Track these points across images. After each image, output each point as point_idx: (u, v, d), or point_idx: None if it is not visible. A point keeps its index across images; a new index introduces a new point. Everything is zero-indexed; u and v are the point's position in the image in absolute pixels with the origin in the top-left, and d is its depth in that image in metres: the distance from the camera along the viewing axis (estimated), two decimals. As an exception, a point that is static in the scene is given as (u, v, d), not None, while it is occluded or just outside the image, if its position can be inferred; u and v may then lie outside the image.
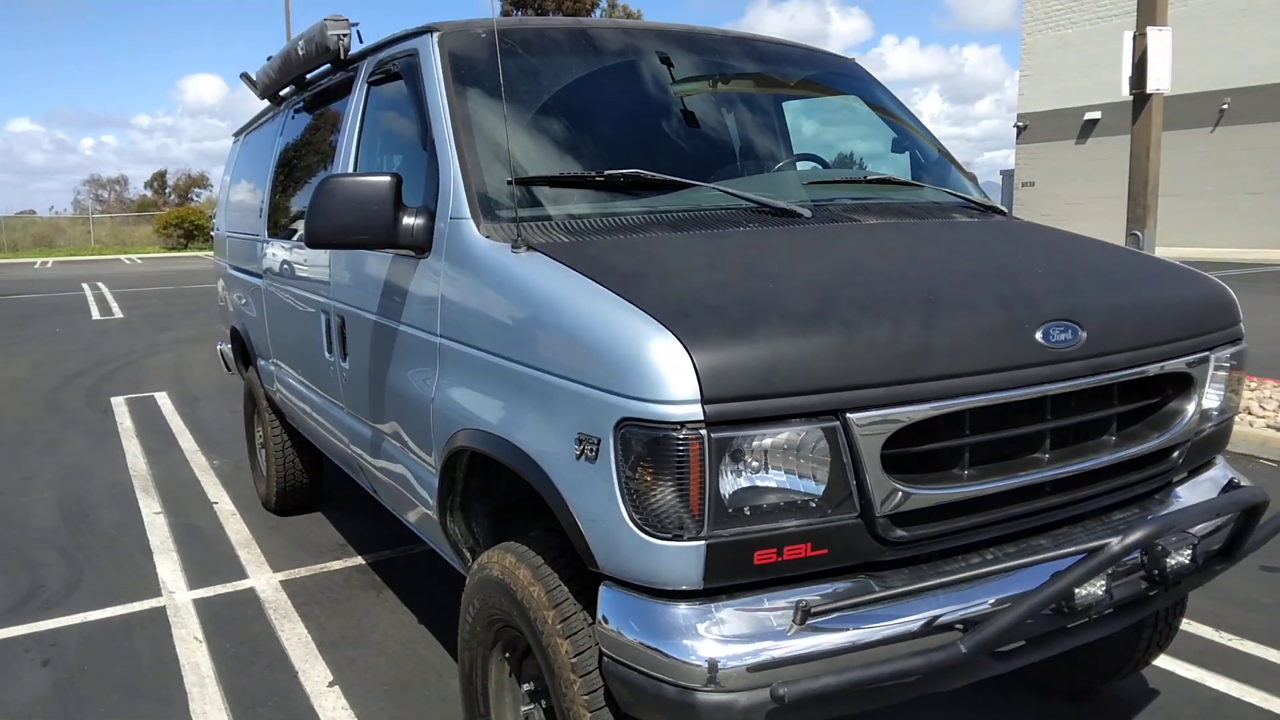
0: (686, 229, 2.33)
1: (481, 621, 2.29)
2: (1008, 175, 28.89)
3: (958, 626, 1.80)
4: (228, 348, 6.12)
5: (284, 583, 4.19)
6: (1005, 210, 3.01)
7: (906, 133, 3.33)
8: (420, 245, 2.47)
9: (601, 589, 1.85)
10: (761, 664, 1.69)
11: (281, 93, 4.45)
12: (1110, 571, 1.87)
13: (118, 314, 15.54)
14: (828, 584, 1.81)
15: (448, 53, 2.67)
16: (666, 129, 2.86)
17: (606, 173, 2.42)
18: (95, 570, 4.39)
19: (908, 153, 3.30)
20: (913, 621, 1.79)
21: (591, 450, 1.79)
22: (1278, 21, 20.72)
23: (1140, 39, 6.47)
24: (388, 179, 2.42)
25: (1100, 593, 1.87)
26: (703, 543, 1.70)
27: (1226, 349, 2.36)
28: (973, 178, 3.28)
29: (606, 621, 1.82)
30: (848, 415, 1.74)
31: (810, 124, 3.52)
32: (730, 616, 1.74)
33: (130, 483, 5.80)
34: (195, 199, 62.30)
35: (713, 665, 1.68)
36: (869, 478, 1.77)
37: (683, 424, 1.66)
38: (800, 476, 1.75)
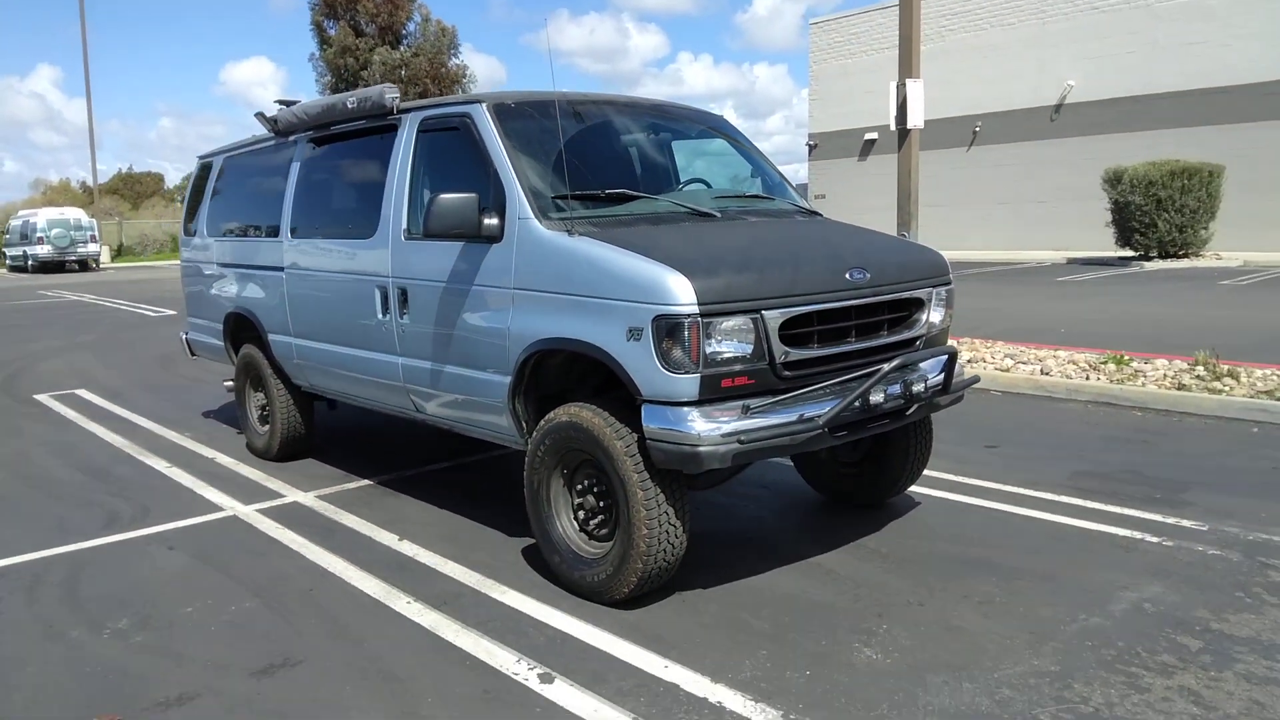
0: (658, 223, 4.13)
1: (551, 451, 3.96)
2: (801, 188, 32.45)
3: (817, 417, 3.67)
4: (197, 335, 7.29)
5: (319, 497, 5.58)
6: (820, 213, 5.01)
7: (758, 162, 5.28)
8: (495, 236, 4.11)
9: (644, 406, 3.59)
10: (727, 432, 3.49)
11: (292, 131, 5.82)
12: (885, 388, 3.80)
13: (-40, 328, 15.36)
14: (756, 398, 3.63)
15: (495, 115, 4.32)
16: (623, 162, 4.68)
17: (606, 191, 4.19)
18: (155, 500, 5.59)
19: (758, 177, 5.24)
20: (796, 413, 3.65)
21: (637, 334, 3.53)
22: (1017, 57, 24.90)
23: (901, 87, 8.83)
24: (474, 196, 4.06)
25: (882, 399, 3.81)
26: (698, 375, 3.48)
27: (943, 288, 4.39)
28: (800, 190, 5.27)
29: (647, 421, 3.56)
30: (763, 312, 3.58)
31: (698, 157, 5.39)
32: (712, 412, 3.53)
33: (124, 451, 6.85)
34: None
35: (704, 434, 3.46)
36: (773, 344, 3.61)
37: (688, 315, 3.44)
38: (740, 343, 3.56)
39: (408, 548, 4.66)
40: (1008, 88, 24.94)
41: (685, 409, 3.52)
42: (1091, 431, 6.59)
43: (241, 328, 6.56)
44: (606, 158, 4.67)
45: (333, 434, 6.97)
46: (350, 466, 6.23)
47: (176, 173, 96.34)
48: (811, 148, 31.03)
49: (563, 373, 4.25)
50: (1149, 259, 19.92)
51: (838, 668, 3.31)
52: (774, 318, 3.61)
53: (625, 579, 3.73)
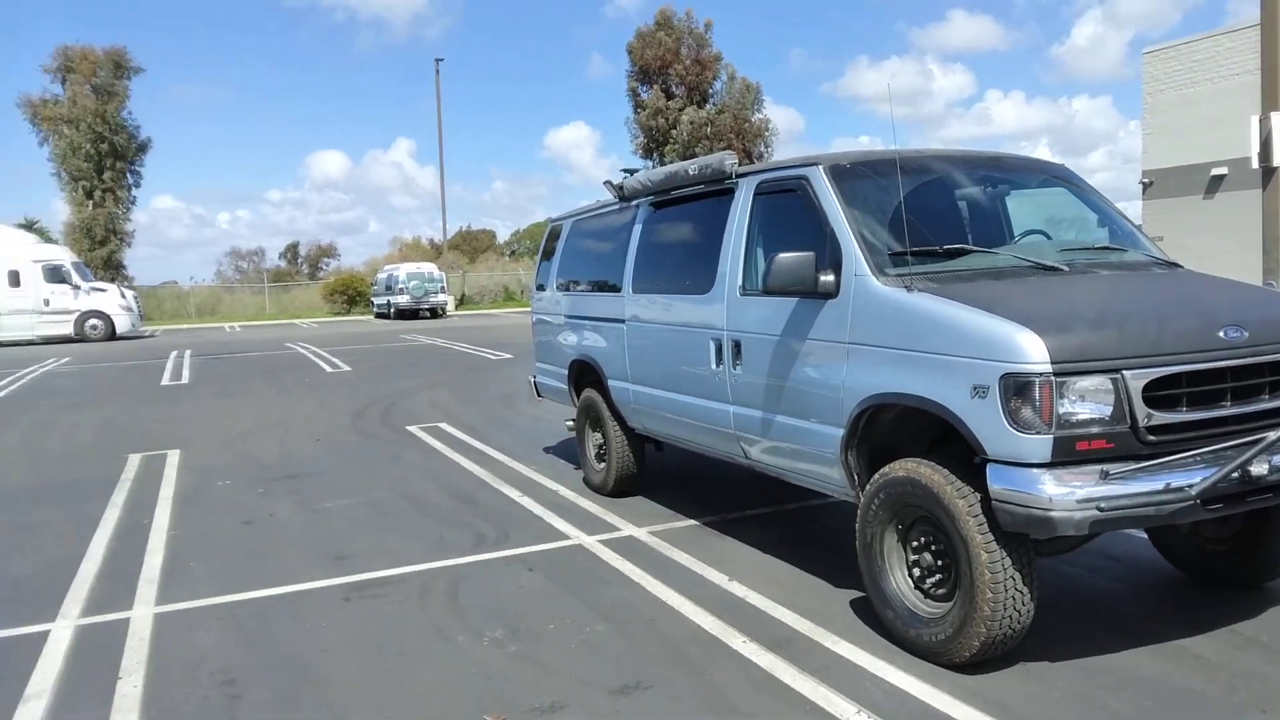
0: (1000, 278, 4.08)
1: (886, 506, 4.01)
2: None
3: (1188, 487, 3.41)
4: (544, 379, 8.11)
5: (651, 533, 6.00)
6: (1181, 264, 4.64)
7: (1105, 211, 5.01)
8: (830, 292, 4.27)
9: (989, 466, 3.54)
10: (1084, 498, 3.35)
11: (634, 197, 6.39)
12: (1270, 458, 3.45)
13: (345, 367, 18.12)
14: (1115, 463, 3.45)
15: (831, 176, 4.50)
16: (959, 216, 4.66)
17: (945, 246, 4.21)
18: (512, 525, 6.30)
19: (1106, 227, 4.97)
20: (1162, 482, 3.42)
21: (982, 392, 3.51)
22: None
23: (1264, 122, 7.91)
24: (811, 254, 4.25)
25: (1265, 470, 3.46)
26: (1050, 436, 3.38)
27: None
28: (1156, 241, 4.92)
29: (993, 481, 3.50)
30: (1123, 372, 3.42)
31: (1038, 208, 5.22)
32: (1065, 475, 3.40)
33: (482, 479, 7.78)
34: (324, 268, 67.82)
35: (1057, 498, 3.35)
36: (1136, 406, 3.42)
37: (1039, 374, 3.37)
38: (1098, 404, 3.42)
39: (737, 588, 4.88)
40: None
41: (1035, 470, 3.43)
42: None
43: (584, 374, 7.24)
44: (942, 213, 4.68)
45: (658, 474, 7.43)
46: (676, 506, 6.62)
47: (506, 230, 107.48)
48: (1146, 185, 28.19)
49: (895, 427, 4.29)
50: None
51: (1216, 763, 3.03)
52: (1136, 378, 3.43)
53: (967, 643, 3.67)
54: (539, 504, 6.85)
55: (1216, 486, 3.39)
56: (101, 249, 45.31)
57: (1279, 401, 3.73)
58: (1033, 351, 3.39)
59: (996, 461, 3.53)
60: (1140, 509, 3.36)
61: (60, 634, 4.59)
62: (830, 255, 4.33)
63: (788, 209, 4.81)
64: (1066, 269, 4.24)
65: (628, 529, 6.10)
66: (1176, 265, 4.63)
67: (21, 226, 37.49)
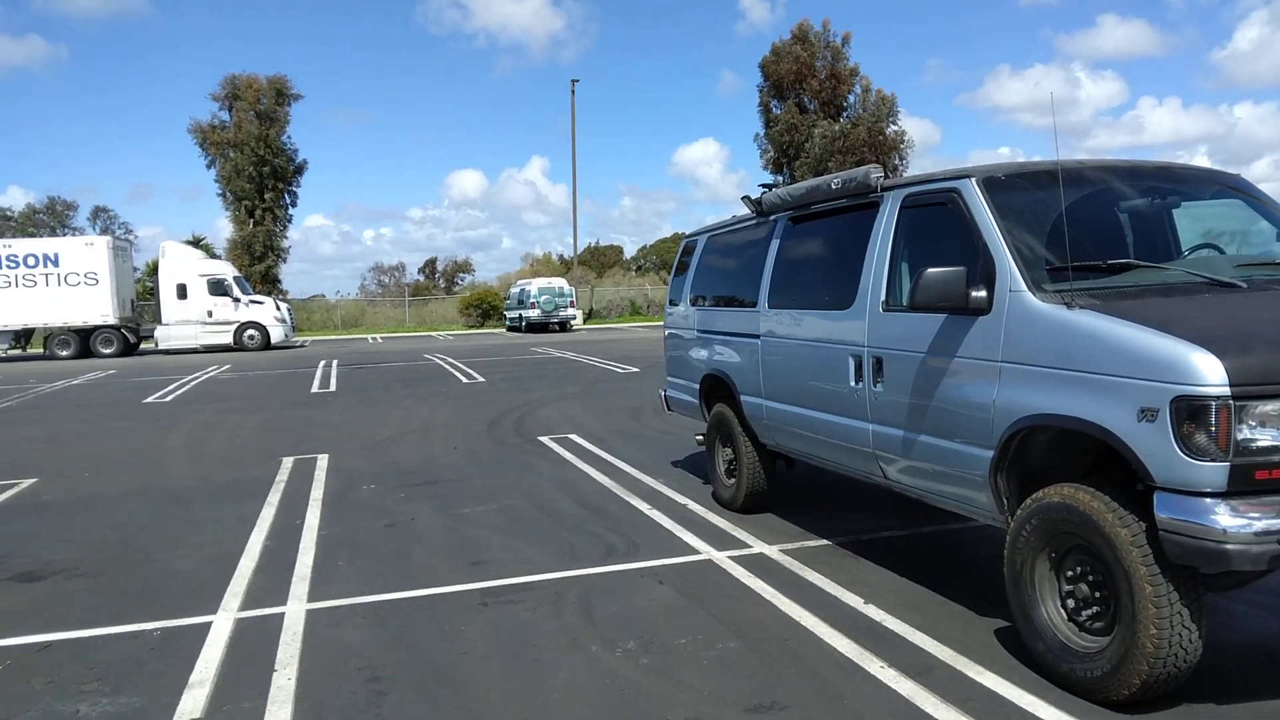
0: (1170, 294, 3.83)
1: (1038, 533, 3.80)
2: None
3: (1380, 523, 3.10)
4: (675, 394, 8.12)
5: (782, 551, 5.90)
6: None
7: (1281, 222, 4.63)
8: (982, 309, 4.10)
9: (1157, 494, 3.31)
10: (1263, 530, 3.09)
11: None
12: None
13: (479, 378, 18.69)
14: (1300, 494, 3.18)
15: (985, 188, 4.33)
16: (1123, 230, 4.39)
17: (1109, 261, 3.98)
18: (642, 537, 6.32)
19: (1283, 240, 4.59)
20: (1353, 518, 3.12)
21: (1151, 415, 3.29)
22: None
23: None
24: (962, 269, 4.09)
25: None
26: (1227, 464, 3.14)
27: None
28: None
29: (1160, 510, 3.28)
30: (1311, 396, 3.14)
31: (1211, 221, 4.87)
32: (1242, 506, 3.15)
33: (611, 490, 7.84)
34: (460, 283, 70.21)
35: (1232, 530, 3.10)
36: (1326, 433, 3.14)
37: (1216, 397, 3.13)
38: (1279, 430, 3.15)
39: (874, 612, 4.73)
40: None
41: (1209, 500, 3.19)
42: None
43: (715, 388, 7.21)
44: (1104, 226, 4.42)
45: (787, 491, 7.31)
46: (806, 524, 6.49)
47: (633, 245, 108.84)
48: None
49: (1048, 451, 4.08)
50: None
51: None
52: (1326, 402, 3.15)
53: (1126, 680, 3.44)
54: (667, 517, 6.85)
55: None
56: (260, 264, 48.41)
57: None
58: (1208, 373, 3.16)
59: (1165, 489, 3.30)
60: (1327, 546, 3.08)
61: (221, 626, 4.88)
62: (983, 270, 4.16)
63: (936, 222, 4.66)
64: (1245, 285, 3.93)
65: (758, 546, 6.03)
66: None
67: (189, 243, 40.51)
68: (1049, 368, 3.77)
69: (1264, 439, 3.15)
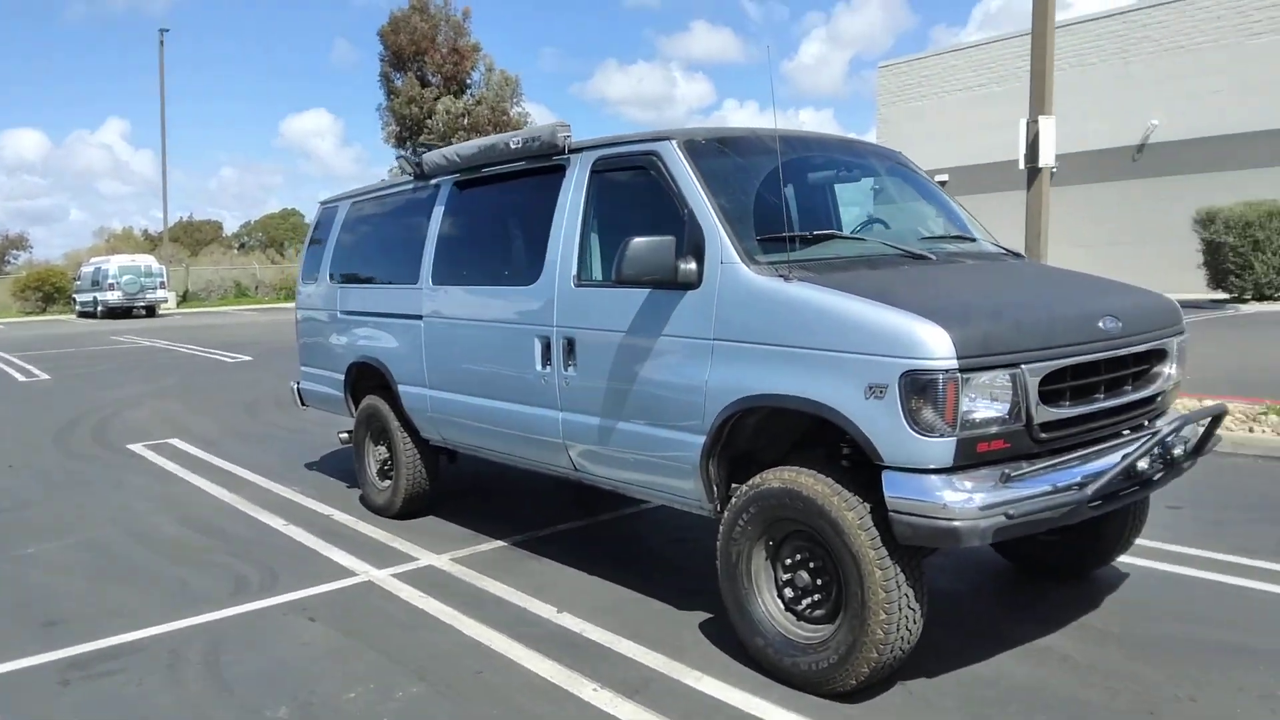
0: (876, 267, 3.71)
1: (755, 521, 3.51)
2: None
3: (1081, 486, 3.18)
4: (311, 385, 6.99)
5: (454, 560, 5.17)
6: (1023, 255, 4.55)
7: (943, 199, 4.84)
8: (691, 282, 3.71)
9: (885, 474, 3.13)
10: (988, 504, 3.02)
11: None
12: (1151, 451, 3.31)
13: (42, 375, 15.40)
14: (1013, 464, 3.16)
15: (687, 152, 3.94)
16: (818, 201, 4.28)
17: (815, 232, 3.79)
18: (280, 562, 5.22)
19: (943, 216, 4.79)
20: (1052, 482, 3.17)
21: (879, 391, 3.09)
22: (1097, 97, 24.21)
23: (1033, 124, 8.39)
24: (670, 239, 3.68)
25: (1146, 465, 3.31)
26: (954, 439, 3.03)
27: (1181, 338, 3.90)
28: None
29: (890, 490, 3.10)
30: (1022, 366, 3.13)
31: (879, 195, 4.96)
32: (967, 479, 3.06)
33: (233, 506, 6.53)
34: (12, 261, 59.24)
35: (960, 506, 3.00)
36: (1031, 403, 3.15)
37: (945, 371, 3.00)
38: (996, 401, 3.11)
39: (570, 621, 4.22)
40: (1086, 127, 24.30)
41: (936, 477, 3.06)
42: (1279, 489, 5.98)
43: (365, 378, 6.25)
44: (800, 197, 4.27)
45: (447, 489, 6.57)
46: (476, 525, 5.83)
47: (235, 220, 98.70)
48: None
49: (755, 434, 3.82)
50: (1244, 301, 19.05)
51: (1143, 789, 2.79)
52: (1034, 372, 3.16)
53: (854, 669, 3.25)
54: (310, 533, 5.80)
55: (1110, 483, 3.19)
56: None
57: (1141, 393, 3.64)
58: (937, 346, 3.01)
59: (893, 468, 3.13)
60: (1042, 512, 3.09)
61: None
62: (689, 241, 3.77)
63: (633, 189, 4.20)
64: (933, 258, 3.95)
65: (425, 557, 5.24)
66: (1020, 255, 4.53)
67: None
68: (767, 345, 3.48)
69: (984, 412, 3.08)
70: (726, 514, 3.65)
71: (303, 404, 7.22)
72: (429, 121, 38.62)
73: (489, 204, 5.19)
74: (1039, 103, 8.38)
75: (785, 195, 4.03)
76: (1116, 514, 4.18)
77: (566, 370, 4.36)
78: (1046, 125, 8.30)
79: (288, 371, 15.09)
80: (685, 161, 3.90)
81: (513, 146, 4.74)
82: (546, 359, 4.47)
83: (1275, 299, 18.74)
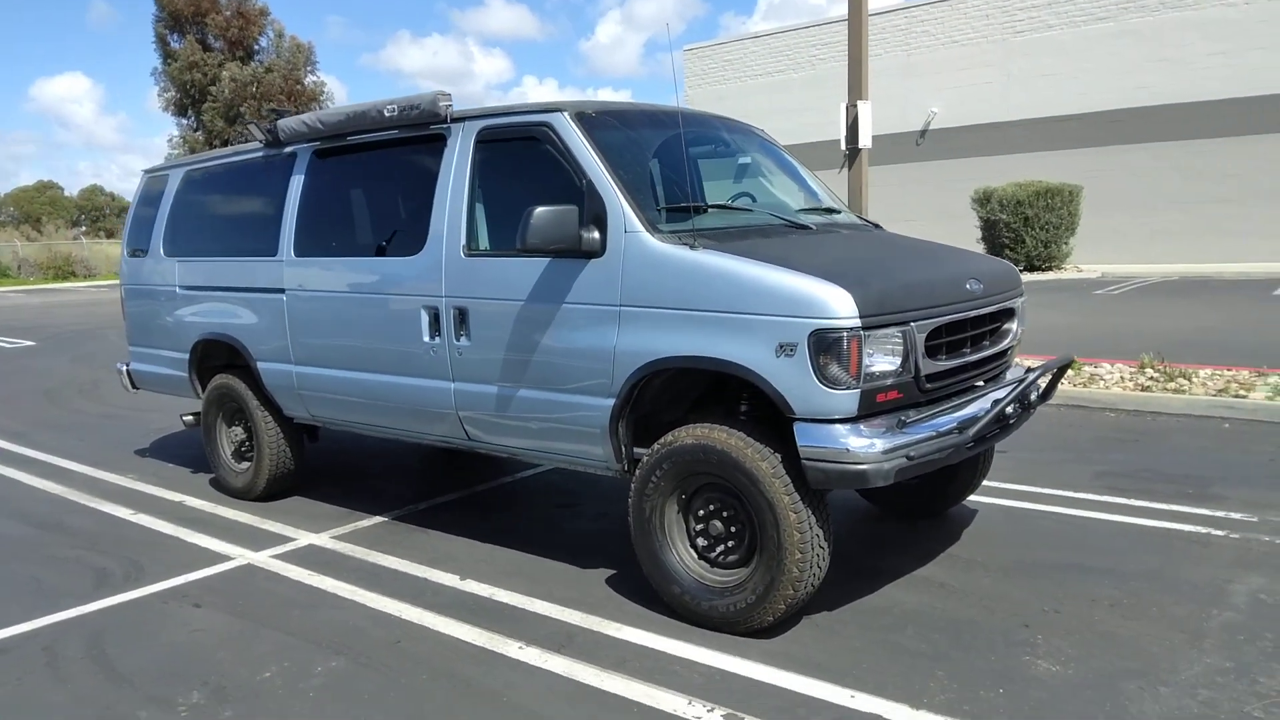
0: (768, 236, 3.97)
1: (669, 476, 3.71)
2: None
3: (963, 429, 3.60)
4: (145, 366, 6.53)
5: (335, 538, 5.05)
6: (882, 226, 4.99)
7: (803, 176, 5.21)
8: (595, 251, 3.83)
9: (797, 425, 3.40)
10: (889, 448, 3.37)
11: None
12: (1016, 397, 3.79)
13: None
14: (906, 411, 3.53)
15: (580, 124, 4.04)
16: (698, 173, 4.50)
17: (710, 204, 4.01)
18: (141, 553, 4.89)
19: (804, 191, 5.15)
20: (938, 427, 3.56)
21: (790, 350, 3.36)
22: (885, 86, 26.08)
23: (851, 108, 9.03)
24: (574, 208, 3.78)
25: (1013, 410, 3.79)
26: (858, 390, 3.34)
27: (1022, 299, 4.44)
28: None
29: (802, 440, 3.38)
30: (911, 324, 3.49)
31: (745, 169, 5.25)
32: (869, 427, 3.39)
33: (67, 499, 6.02)
34: None
35: (866, 451, 3.33)
36: (919, 356, 3.52)
37: (849, 329, 3.30)
38: (891, 355, 3.45)
39: (476, 587, 4.27)
40: (877, 114, 26.20)
41: (842, 426, 3.37)
42: (1079, 434, 6.86)
43: (212, 356, 5.91)
44: (685, 169, 4.45)
45: (306, 468, 6.34)
46: (347, 503, 5.69)
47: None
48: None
49: (659, 394, 4.01)
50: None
51: (1027, 683, 3.22)
52: (920, 329, 3.52)
53: (771, 607, 3.53)
54: (165, 520, 5.46)
55: (986, 426, 3.63)
56: None
57: (996, 347, 4.13)
58: (840, 306, 3.30)
59: (804, 420, 3.41)
60: (935, 454, 3.48)
61: None
62: (590, 211, 3.88)
63: (522, 159, 4.24)
64: (813, 228, 4.28)
65: (304, 537, 5.09)
66: (880, 226, 4.95)
67: None
68: (677, 309, 3.65)
69: (881, 365, 3.42)
70: (639, 471, 3.82)
71: (134, 387, 6.71)
72: (213, 89, 35.90)
73: (357, 173, 5.05)
74: (856, 88, 9.04)
75: (676, 166, 4.23)
76: (971, 458, 4.72)
77: (459, 340, 4.37)
78: (864, 109, 8.98)
79: (83, 356, 13.92)
80: (579, 133, 4.00)
81: (387, 114, 4.64)
82: (435, 330, 4.45)
83: (1044, 269, 21.06)
